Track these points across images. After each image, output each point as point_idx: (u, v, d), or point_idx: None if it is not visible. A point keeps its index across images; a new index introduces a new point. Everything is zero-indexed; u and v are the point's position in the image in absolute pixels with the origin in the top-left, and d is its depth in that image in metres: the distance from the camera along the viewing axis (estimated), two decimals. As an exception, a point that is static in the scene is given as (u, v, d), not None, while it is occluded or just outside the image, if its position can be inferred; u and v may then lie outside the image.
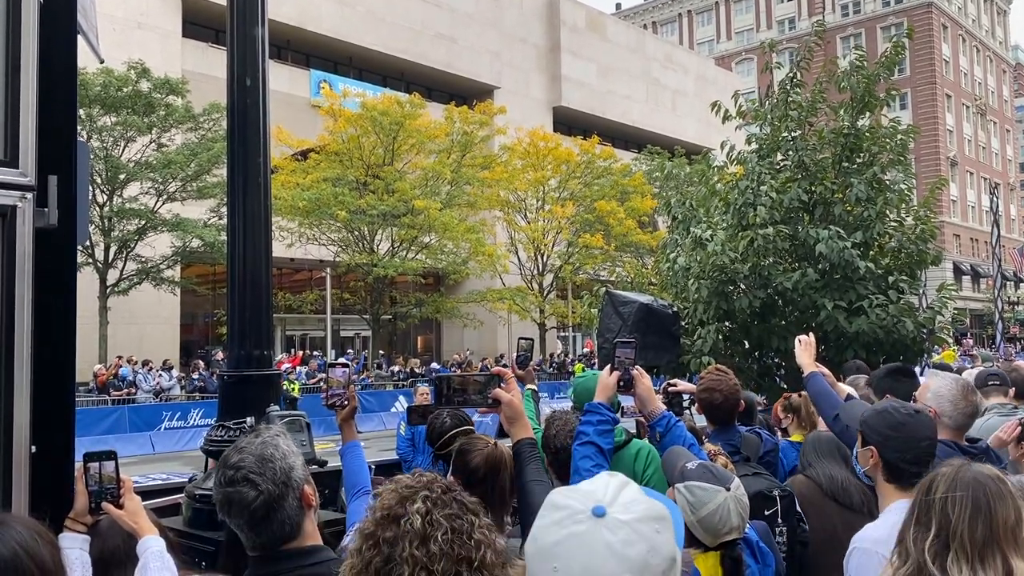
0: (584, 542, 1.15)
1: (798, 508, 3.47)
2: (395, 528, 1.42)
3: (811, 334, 4.05)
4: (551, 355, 35.23)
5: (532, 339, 4.76)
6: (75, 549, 2.19)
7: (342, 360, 11.45)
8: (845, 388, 3.94)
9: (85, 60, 2.13)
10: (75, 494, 2.24)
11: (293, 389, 20.59)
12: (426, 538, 1.41)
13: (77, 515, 2.23)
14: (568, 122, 45.59)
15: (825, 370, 3.89)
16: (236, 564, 2.41)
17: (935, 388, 3.28)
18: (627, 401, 2.97)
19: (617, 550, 1.14)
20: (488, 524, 1.50)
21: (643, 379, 2.82)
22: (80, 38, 2.71)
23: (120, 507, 2.26)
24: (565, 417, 3.19)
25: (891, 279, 8.55)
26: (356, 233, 29.91)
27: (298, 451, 2.08)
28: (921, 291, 9.95)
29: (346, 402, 2.99)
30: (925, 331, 8.64)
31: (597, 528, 1.15)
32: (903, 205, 9.29)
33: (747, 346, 9.05)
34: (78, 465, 2.24)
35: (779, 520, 3.33)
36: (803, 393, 4.42)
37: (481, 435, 2.94)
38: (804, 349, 3.92)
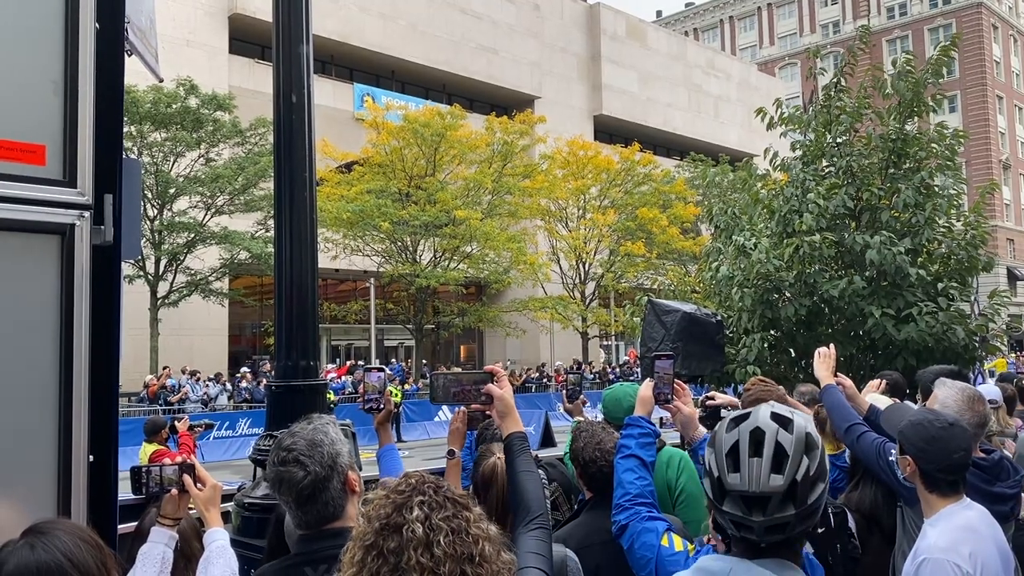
0: None
1: (851, 525, 3.43)
2: (398, 538, 1.47)
3: (831, 347, 3.99)
4: (590, 363, 35.04)
5: (581, 374, 4.79)
6: (160, 544, 2.28)
7: (377, 364, 11.60)
8: (867, 400, 3.88)
9: (136, 78, 2.20)
10: (165, 498, 2.36)
11: (328, 396, 20.79)
12: (429, 544, 1.46)
13: (167, 514, 2.36)
14: (609, 130, 45.49)
15: (847, 381, 3.84)
16: None
17: (941, 399, 3.21)
18: (659, 411, 2.99)
19: None
20: (480, 514, 1.56)
21: (685, 408, 2.98)
22: (140, 60, 2.81)
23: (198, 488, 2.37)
24: (592, 429, 3.17)
25: (940, 286, 8.36)
26: (399, 244, 30.19)
27: (346, 440, 2.20)
28: (973, 297, 9.69)
29: (382, 406, 3.03)
30: (977, 339, 8.44)
31: None
32: (953, 211, 9.07)
33: (793, 355, 8.92)
34: (172, 468, 2.34)
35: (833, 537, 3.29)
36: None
37: (495, 446, 2.94)
38: (822, 361, 3.88)
